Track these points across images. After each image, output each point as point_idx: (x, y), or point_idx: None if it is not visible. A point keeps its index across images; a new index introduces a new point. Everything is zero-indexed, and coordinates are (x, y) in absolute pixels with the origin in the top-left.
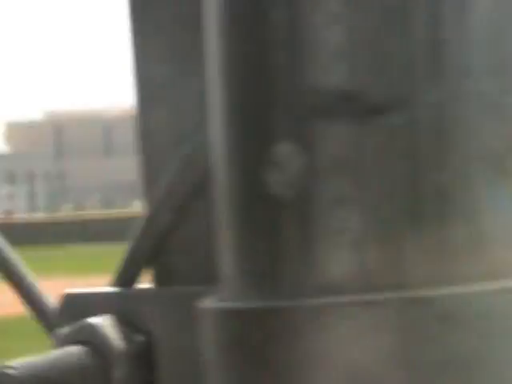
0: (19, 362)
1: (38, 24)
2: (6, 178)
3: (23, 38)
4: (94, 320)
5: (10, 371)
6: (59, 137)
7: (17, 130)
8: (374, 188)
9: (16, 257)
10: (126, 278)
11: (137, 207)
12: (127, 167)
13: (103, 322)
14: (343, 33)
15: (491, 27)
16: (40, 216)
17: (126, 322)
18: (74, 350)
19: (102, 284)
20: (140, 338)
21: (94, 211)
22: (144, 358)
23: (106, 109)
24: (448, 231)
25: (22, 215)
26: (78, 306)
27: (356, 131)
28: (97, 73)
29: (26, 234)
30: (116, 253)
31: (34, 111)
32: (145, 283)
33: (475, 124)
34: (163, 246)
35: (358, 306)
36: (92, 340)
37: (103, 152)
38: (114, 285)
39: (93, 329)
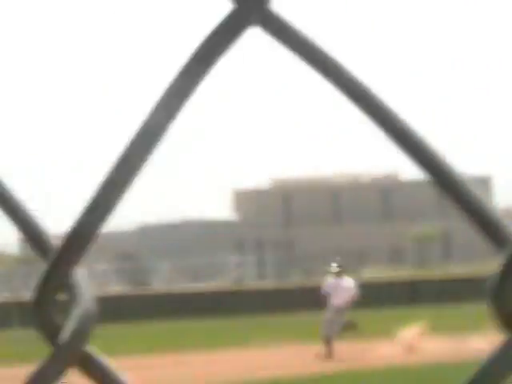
0: None
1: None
2: (235, 245)
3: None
4: None
5: None
6: (288, 204)
7: (245, 198)
8: None
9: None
10: None
11: (367, 274)
12: (356, 234)
13: None
14: None
15: None
16: (269, 283)
17: None
18: None
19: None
20: None
21: (323, 279)
22: None
23: (335, 175)
24: None
25: (251, 283)
26: None
27: None
28: (324, 138)
29: (255, 302)
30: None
31: (262, 179)
32: None
33: None
34: None
35: None
36: None
37: (332, 219)
38: None
39: None
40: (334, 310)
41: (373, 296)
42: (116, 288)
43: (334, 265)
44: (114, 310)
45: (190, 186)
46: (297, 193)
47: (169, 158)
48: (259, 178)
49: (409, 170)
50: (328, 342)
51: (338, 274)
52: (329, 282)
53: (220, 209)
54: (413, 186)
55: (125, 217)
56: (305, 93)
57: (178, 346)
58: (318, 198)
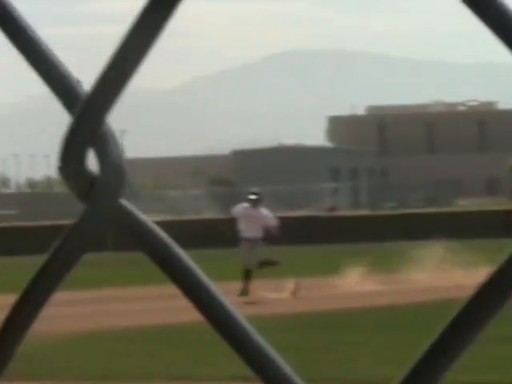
0: None
1: None
2: (330, 173)
3: None
4: None
5: None
6: (383, 132)
7: (340, 125)
8: None
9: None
10: None
11: (459, 205)
12: (452, 164)
13: None
14: None
15: None
16: (362, 212)
17: None
18: None
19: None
20: None
21: (416, 209)
22: None
23: (431, 104)
24: None
25: (344, 211)
26: None
27: None
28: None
29: (348, 230)
30: (434, 250)
31: (356, 106)
32: None
33: None
34: None
35: None
36: None
37: (426, 149)
38: None
39: None
40: (248, 243)
41: (467, 227)
42: (209, 213)
43: (252, 192)
44: (207, 234)
45: (286, 112)
46: (392, 121)
47: (264, 84)
48: (355, 105)
49: (507, 99)
50: (246, 277)
51: (255, 204)
52: (242, 211)
53: (315, 135)
54: (511, 115)
55: (219, 141)
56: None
57: (278, 274)
58: (414, 127)
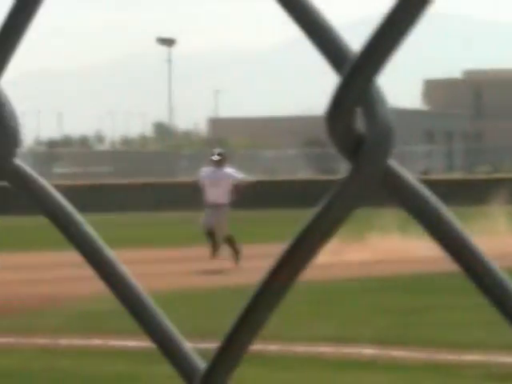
0: None
1: None
2: (425, 136)
3: None
4: None
5: None
6: (478, 96)
7: (436, 89)
8: None
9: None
10: None
11: None
12: None
13: None
14: None
15: None
16: (456, 176)
17: None
18: None
19: None
20: None
21: (510, 173)
22: None
23: None
24: None
25: (438, 174)
26: None
27: None
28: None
29: (442, 193)
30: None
31: (452, 69)
32: None
33: None
34: None
35: None
36: None
37: None
38: None
39: None
40: (213, 207)
41: None
42: (304, 173)
43: (216, 152)
44: (301, 195)
45: (383, 74)
46: (488, 85)
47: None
48: (451, 68)
49: None
50: (213, 240)
51: (219, 164)
52: (205, 172)
53: (411, 98)
54: None
55: (316, 103)
56: None
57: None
58: (510, 91)
